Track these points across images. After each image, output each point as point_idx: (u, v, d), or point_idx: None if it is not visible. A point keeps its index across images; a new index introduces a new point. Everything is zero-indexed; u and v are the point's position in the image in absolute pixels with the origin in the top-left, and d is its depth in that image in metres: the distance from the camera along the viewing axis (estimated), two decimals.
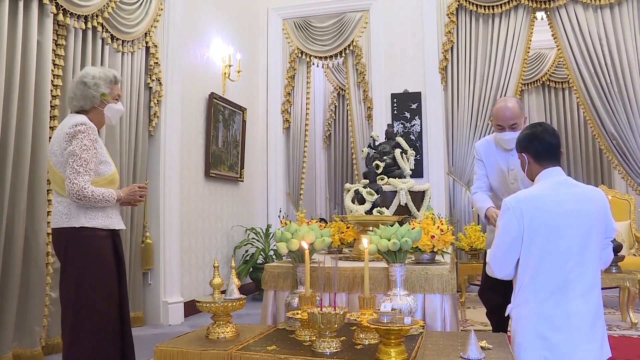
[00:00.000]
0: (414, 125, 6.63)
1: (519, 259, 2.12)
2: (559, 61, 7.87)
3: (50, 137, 3.83)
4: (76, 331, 2.42)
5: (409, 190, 3.59)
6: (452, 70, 6.56)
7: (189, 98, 5.55)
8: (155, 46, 5.04)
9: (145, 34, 4.89)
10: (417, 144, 6.53)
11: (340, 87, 8.89)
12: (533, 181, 2.26)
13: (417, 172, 6.03)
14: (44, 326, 3.79)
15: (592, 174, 8.14)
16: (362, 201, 3.50)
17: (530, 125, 2.30)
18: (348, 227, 3.50)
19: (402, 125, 6.65)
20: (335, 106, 9.13)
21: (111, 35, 4.47)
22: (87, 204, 2.43)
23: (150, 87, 5.01)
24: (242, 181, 6.62)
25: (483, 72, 6.42)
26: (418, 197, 3.69)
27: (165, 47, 5.20)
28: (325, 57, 7.14)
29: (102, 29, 4.36)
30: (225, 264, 6.12)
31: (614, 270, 4.59)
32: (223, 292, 2.27)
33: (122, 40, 4.60)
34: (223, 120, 6.17)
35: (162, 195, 5.09)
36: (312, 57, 7.20)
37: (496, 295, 2.96)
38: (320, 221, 3.47)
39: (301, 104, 7.40)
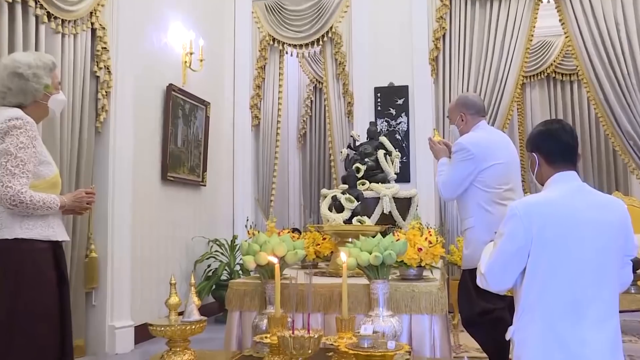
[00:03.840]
0: (399, 123, 6.69)
1: (524, 274, 2.04)
2: (567, 50, 7.72)
3: None
4: (7, 359, 2.37)
5: (393, 197, 3.63)
6: (444, 61, 6.62)
7: (143, 90, 5.51)
8: (103, 28, 4.97)
9: (91, 13, 4.81)
10: (403, 145, 6.59)
11: (317, 80, 8.91)
12: (542, 185, 2.19)
13: (403, 176, 6.08)
14: None
15: (605, 179, 8.01)
16: (340, 209, 3.52)
17: (544, 122, 2.26)
18: (324, 239, 3.52)
19: (386, 123, 6.71)
20: (312, 101, 9.15)
21: (47, 12, 4.35)
22: (24, 211, 2.38)
23: (98, 76, 4.95)
24: (205, 185, 6.59)
25: (479, 63, 6.49)
26: (404, 204, 3.74)
27: (115, 30, 5.14)
28: (301, 45, 7.16)
29: (35, 4, 4.23)
30: (183, 280, 6.07)
31: (632, 291, 4.44)
32: (180, 313, 2.26)
33: (62, 20, 4.51)
34: (183, 115, 6.14)
35: (111, 202, 5.03)
36: (285, 45, 7.21)
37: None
38: (293, 231, 3.49)
39: (273, 99, 7.39)
